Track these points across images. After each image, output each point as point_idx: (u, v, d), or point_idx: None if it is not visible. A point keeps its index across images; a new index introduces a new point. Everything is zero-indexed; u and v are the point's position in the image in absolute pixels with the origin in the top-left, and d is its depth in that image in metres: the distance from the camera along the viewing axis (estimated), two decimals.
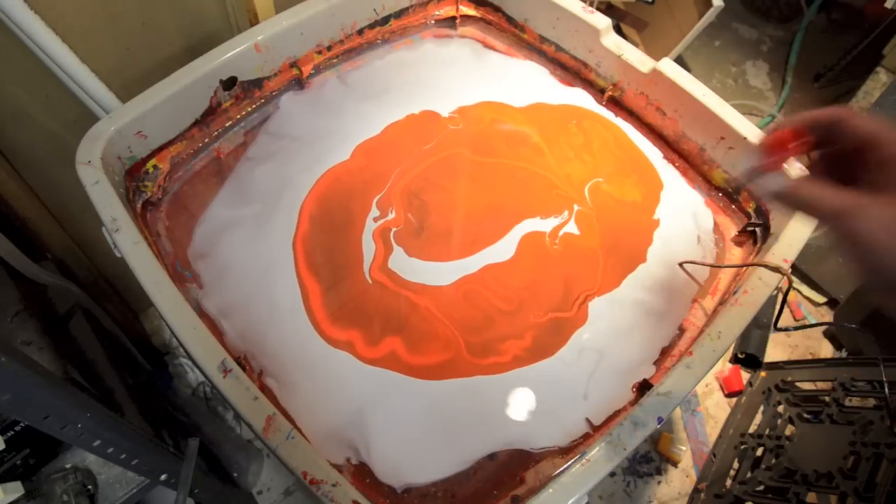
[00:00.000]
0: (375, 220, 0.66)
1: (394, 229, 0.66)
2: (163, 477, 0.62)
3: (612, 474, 1.10)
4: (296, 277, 0.61)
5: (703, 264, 0.64)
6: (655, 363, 0.58)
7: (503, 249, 0.65)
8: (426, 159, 0.71)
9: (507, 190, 0.69)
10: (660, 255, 0.65)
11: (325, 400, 0.54)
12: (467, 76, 0.78)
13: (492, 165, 0.71)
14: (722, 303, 0.61)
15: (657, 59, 0.69)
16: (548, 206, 0.68)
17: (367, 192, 0.68)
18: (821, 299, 1.30)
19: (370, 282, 0.62)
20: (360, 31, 0.76)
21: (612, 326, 0.60)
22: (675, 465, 1.12)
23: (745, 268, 0.60)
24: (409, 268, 0.63)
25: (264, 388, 0.53)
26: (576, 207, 0.68)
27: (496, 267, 0.64)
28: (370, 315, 0.60)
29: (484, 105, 0.76)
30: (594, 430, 0.53)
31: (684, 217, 0.68)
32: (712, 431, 1.17)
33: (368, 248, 0.64)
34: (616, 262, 0.65)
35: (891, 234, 0.29)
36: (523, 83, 0.78)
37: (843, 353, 1.25)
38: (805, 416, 1.04)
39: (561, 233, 0.66)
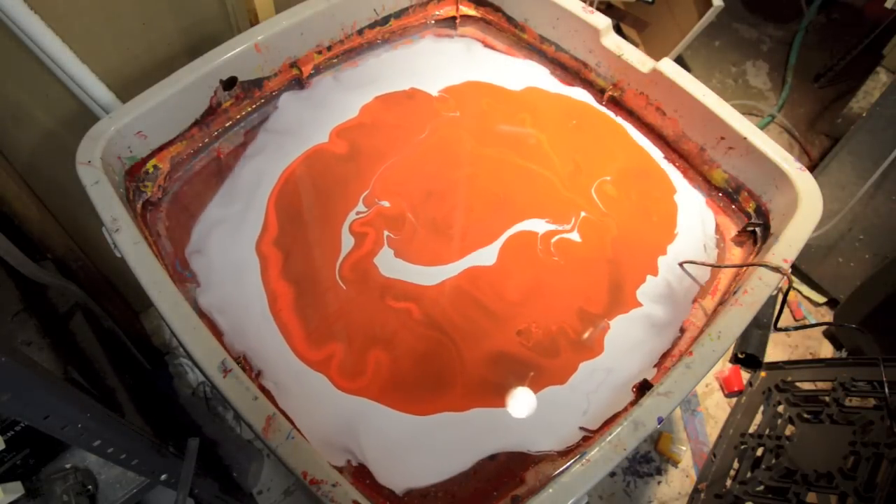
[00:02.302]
0: (359, 213, 0.64)
1: (387, 231, 0.64)
2: (163, 477, 0.62)
3: (612, 474, 1.10)
4: (261, 282, 0.59)
5: (704, 264, 0.64)
6: (656, 365, 0.58)
7: (493, 253, 0.64)
8: (419, 149, 0.70)
9: (508, 191, 0.68)
10: (668, 265, 0.64)
11: (314, 410, 0.53)
12: (460, 65, 0.78)
13: (491, 162, 0.70)
14: (722, 303, 0.61)
15: (657, 59, 0.69)
16: (552, 210, 0.67)
17: (351, 185, 0.66)
18: (821, 299, 1.30)
19: (343, 286, 0.59)
20: (360, 31, 0.76)
21: (624, 345, 0.59)
22: (675, 465, 1.12)
23: (745, 268, 0.60)
24: (394, 267, 0.61)
25: (263, 389, 0.53)
26: (582, 214, 0.67)
27: (484, 271, 0.62)
28: (350, 331, 0.57)
29: (475, 85, 0.75)
30: (594, 433, 0.53)
31: (695, 226, 0.68)
32: (712, 431, 1.17)
33: (347, 244, 0.62)
34: (629, 278, 0.63)
35: None
36: (520, 74, 0.77)
37: (843, 353, 1.25)
38: (805, 416, 1.04)
39: (555, 239, 0.65)
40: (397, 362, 0.56)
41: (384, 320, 0.58)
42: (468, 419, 0.53)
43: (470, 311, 0.59)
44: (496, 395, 0.55)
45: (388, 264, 0.62)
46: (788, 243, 0.58)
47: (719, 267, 0.64)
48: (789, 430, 1.05)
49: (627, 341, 0.59)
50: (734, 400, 1.20)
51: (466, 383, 0.55)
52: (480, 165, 0.70)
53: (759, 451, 1.06)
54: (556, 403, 0.55)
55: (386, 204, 0.65)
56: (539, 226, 0.66)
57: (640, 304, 0.61)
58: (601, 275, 0.63)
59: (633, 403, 0.54)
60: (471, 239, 0.64)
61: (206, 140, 0.68)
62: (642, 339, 0.59)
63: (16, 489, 0.57)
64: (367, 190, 0.66)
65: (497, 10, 0.80)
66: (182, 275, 0.59)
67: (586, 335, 0.59)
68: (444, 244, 0.64)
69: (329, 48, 0.74)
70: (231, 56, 0.65)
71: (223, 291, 0.58)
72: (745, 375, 1.22)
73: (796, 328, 1.27)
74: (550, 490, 0.44)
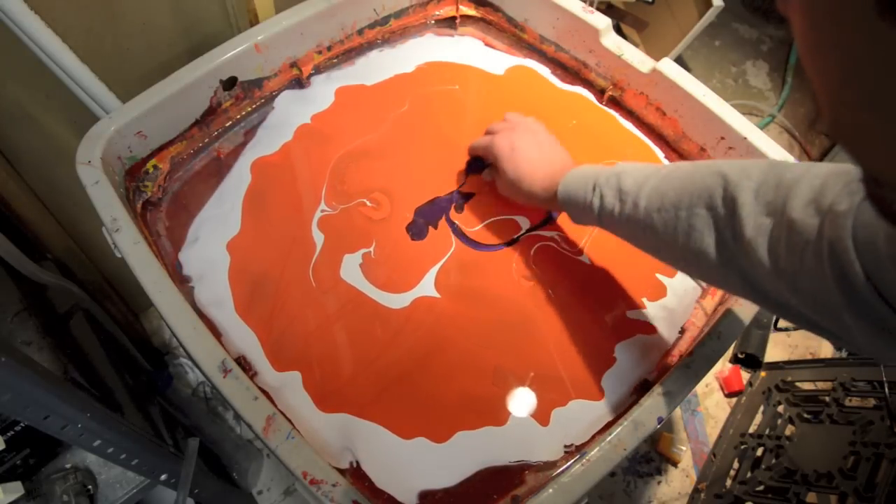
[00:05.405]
0: (323, 211, 0.62)
1: (353, 234, 0.60)
2: (163, 477, 0.62)
3: (612, 474, 1.10)
4: (228, 281, 0.57)
5: None
6: (656, 365, 0.58)
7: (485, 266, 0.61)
8: (392, 127, 0.68)
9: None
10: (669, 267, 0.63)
11: (308, 415, 0.52)
12: (453, 56, 0.77)
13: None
14: (722, 303, 0.61)
15: (657, 59, 0.69)
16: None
17: (314, 178, 0.64)
18: None
19: (314, 283, 0.57)
20: (360, 31, 0.76)
21: (627, 364, 0.57)
22: (675, 465, 1.13)
23: None
24: (360, 278, 0.58)
25: (262, 390, 0.53)
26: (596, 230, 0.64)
27: (463, 288, 0.59)
28: (317, 341, 0.54)
29: (454, 66, 0.75)
30: (581, 446, 0.53)
31: None
32: (712, 431, 1.17)
33: (318, 244, 0.60)
34: (632, 289, 0.61)
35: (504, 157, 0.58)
36: (514, 69, 0.77)
37: (843, 353, 1.25)
38: (805, 416, 1.04)
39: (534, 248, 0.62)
40: (372, 381, 0.53)
41: (357, 333, 0.56)
42: (451, 444, 0.51)
43: (446, 333, 0.56)
44: (480, 417, 0.53)
45: (355, 273, 0.59)
46: None
47: None
48: (789, 430, 1.06)
49: (632, 357, 0.57)
50: (734, 400, 1.20)
51: (445, 408, 0.53)
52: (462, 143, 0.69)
53: (759, 451, 1.06)
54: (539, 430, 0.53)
55: (365, 200, 0.64)
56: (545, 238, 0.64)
57: (642, 325, 0.59)
58: (602, 292, 0.60)
59: (633, 403, 0.54)
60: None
61: (206, 140, 0.68)
62: (648, 350, 0.58)
63: (16, 489, 0.57)
64: (325, 183, 0.64)
65: (497, 10, 0.80)
66: (182, 275, 0.59)
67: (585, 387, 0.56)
68: (418, 249, 0.61)
69: (329, 48, 0.74)
70: (231, 56, 0.65)
71: (205, 289, 0.58)
72: (745, 375, 1.22)
73: (796, 328, 1.28)
74: (550, 490, 0.44)
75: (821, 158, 1.47)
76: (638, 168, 0.48)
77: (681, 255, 0.43)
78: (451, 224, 0.64)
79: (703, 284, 0.63)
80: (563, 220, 0.65)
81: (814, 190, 0.33)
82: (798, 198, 0.34)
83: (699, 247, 0.41)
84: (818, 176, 0.34)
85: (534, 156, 0.58)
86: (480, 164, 0.66)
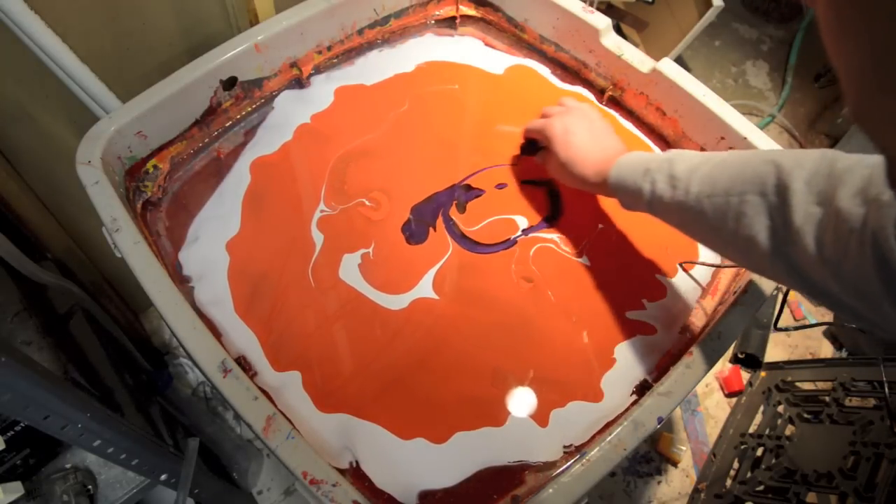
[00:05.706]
0: (323, 211, 0.62)
1: (352, 234, 0.60)
2: (163, 477, 0.62)
3: (612, 474, 1.10)
4: (227, 281, 0.57)
5: (704, 264, 0.64)
6: (656, 365, 0.58)
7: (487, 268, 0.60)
8: (392, 126, 0.68)
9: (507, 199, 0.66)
10: (670, 267, 0.63)
11: (307, 416, 0.52)
12: (452, 55, 0.77)
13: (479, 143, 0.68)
14: (722, 303, 0.61)
15: (657, 59, 0.69)
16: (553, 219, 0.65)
17: (313, 178, 0.64)
18: None
19: (314, 283, 0.57)
20: (360, 31, 0.76)
21: (627, 364, 0.57)
22: (675, 465, 1.13)
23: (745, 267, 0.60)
24: (358, 278, 0.58)
25: (262, 389, 0.53)
26: (600, 226, 0.64)
27: (459, 291, 0.58)
28: (316, 341, 0.54)
29: (454, 66, 0.75)
30: (581, 447, 0.53)
31: None
32: (712, 431, 1.17)
33: (317, 244, 0.60)
34: (632, 290, 0.60)
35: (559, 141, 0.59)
36: (514, 68, 0.77)
37: (843, 353, 1.25)
38: (805, 416, 1.04)
39: (533, 250, 0.62)
40: (371, 382, 0.53)
41: (357, 334, 0.56)
42: (450, 444, 0.51)
43: (445, 335, 0.56)
44: (479, 418, 0.53)
45: (354, 274, 0.59)
46: None
47: (719, 267, 0.64)
48: (789, 430, 1.06)
49: (632, 359, 0.57)
50: (734, 400, 1.20)
51: (444, 409, 0.53)
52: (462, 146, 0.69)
53: (759, 451, 1.07)
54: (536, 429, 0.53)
55: (364, 200, 0.64)
56: (548, 239, 0.64)
57: (642, 326, 0.58)
58: (601, 293, 0.60)
59: (634, 403, 0.54)
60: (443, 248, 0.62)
61: (206, 140, 0.68)
62: (648, 350, 0.58)
63: (16, 489, 0.57)
64: (324, 183, 0.64)
65: (497, 10, 0.80)
66: (182, 275, 0.59)
67: (581, 388, 0.55)
68: (416, 250, 0.61)
69: (329, 48, 0.74)
70: (231, 56, 0.65)
71: (204, 289, 0.57)
72: (745, 375, 1.22)
73: (796, 328, 1.28)
74: (550, 490, 0.44)
75: None
76: (691, 155, 0.49)
77: (730, 241, 0.44)
78: (448, 222, 0.63)
79: (703, 284, 0.63)
80: (562, 221, 0.65)
81: (863, 179, 0.34)
82: (847, 187, 0.34)
83: (748, 233, 0.41)
84: (868, 166, 0.34)
85: (586, 139, 0.58)
86: (534, 146, 0.66)
